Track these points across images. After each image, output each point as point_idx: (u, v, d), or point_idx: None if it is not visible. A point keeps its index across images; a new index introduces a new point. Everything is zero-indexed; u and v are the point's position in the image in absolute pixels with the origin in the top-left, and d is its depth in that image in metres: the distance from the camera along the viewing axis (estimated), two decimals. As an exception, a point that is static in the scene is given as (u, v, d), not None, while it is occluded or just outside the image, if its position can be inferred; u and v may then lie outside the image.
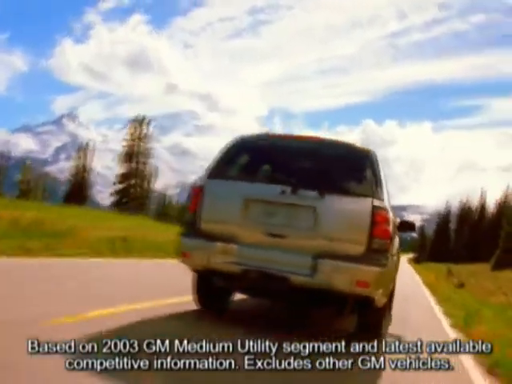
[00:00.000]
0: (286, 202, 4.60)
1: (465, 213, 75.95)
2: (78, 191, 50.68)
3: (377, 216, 4.43)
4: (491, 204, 74.05)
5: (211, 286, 5.06)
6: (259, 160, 5.22)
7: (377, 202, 4.51)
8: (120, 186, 54.90)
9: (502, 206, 68.59)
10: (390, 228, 4.53)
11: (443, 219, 79.37)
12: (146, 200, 56.67)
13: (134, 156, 54.72)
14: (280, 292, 4.55)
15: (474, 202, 76.11)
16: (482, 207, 74.38)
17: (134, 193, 54.36)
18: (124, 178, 55.03)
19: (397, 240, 5.04)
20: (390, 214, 4.62)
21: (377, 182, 4.72)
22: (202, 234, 4.73)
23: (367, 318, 4.90)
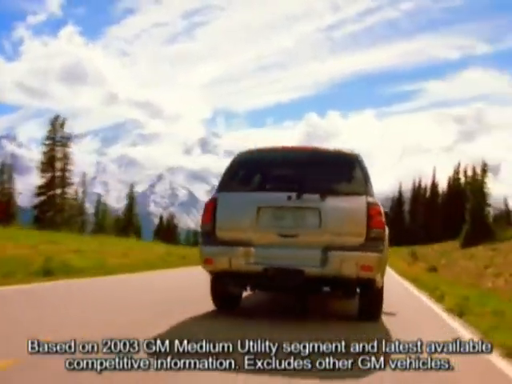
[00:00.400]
0: (293, 206, 5.21)
1: (417, 193, 75.48)
2: (3, 210, 44.06)
3: (371, 210, 5.15)
4: (440, 183, 73.77)
5: (225, 289, 5.70)
6: (261, 171, 5.82)
7: (370, 199, 5.25)
8: (41, 199, 46.93)
9: (453, 184, 67.93)
10: (383, 219, 5.25)
11: (396, 202, 78.52)
12: (77, 212, 49.96)
13: (56, 162, 47.09)
14: (296, 284, 5.12)
15: (424, 183, 75.72)
16: (434, 185, 73.87)
17: (60, 204, 46.84)
18: (46, 188, 46.89)
19: (387, 229, 5.56)
20: (381, 208, 5.32)
21: (366, 181, 5.45)
22: (219, 242, 5.29)
23: (369, 298, 5.54)
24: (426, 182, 75.66)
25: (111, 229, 52.34)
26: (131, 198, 63.27)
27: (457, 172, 69.65)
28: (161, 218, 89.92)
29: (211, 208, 5.40)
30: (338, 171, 5.55)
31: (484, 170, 51.94)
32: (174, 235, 78.39)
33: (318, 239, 5.09)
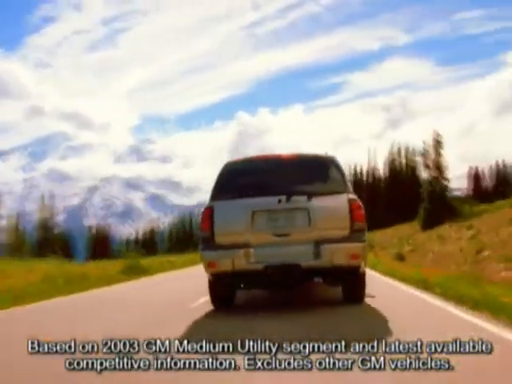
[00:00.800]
0: (284, 208, 5.74)
1: (360, 180, 75.01)
2: None
3: (353, 206, 5.78)
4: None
5: (223, 289, 6.24)
6: (250, 179, 6.22)
7: (350, 196, 5.88)
8: None
9: (392, 166, 67.36)
10: (363, 213, 5.87)
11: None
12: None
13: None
14: (295, 278, 5.74)
15: (359, 170, 74.74)
16: (373, 170, 73.01)
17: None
18: None
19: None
20: (360, 203, 5.90)
21: (345, 180, 6.11)
22: (219, 246, 5.73)
23: (354, 283, 6.13)
24: (362, 170, 74.95)
25: (31, 249, 47.37)
26: (44, 215, 57.94)
27: (397, 154, 68.32)
28: (94, 230, 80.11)
29: (208, 216, 5.86)
30: (318, 173, 6.18)
31: (438, 142, 45.40)
32: (108, 248, 71.45)
33: (308, 236, 5.65)
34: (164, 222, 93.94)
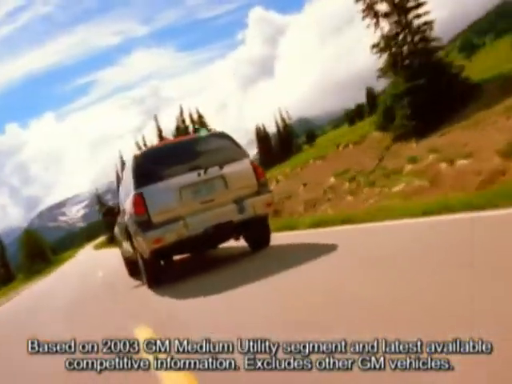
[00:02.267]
0: (204, 179, 6.82)
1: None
2: None
3: (255, 166, 7.25)
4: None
5: (157, 267, 7.17)
6: (164, 162, 7.07)
7: (250, 159, 7.41)
8: None
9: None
10: (263, 171, 7.36)
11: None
12: None
13: None
14: (230, 232, 7.13)
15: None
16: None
17: None
18: None
19: None
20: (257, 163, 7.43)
21: (241, 148, 7.46)
22: (157, 224, 6.54)
23: (264, 228, 7.53)
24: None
25: None
26: None
27: (183, 120, 70.16)
28: None
29: (140, 201, 6.62)
30: (219, 146, 7.40)
31: None
32: None
33: (228, 197, 6.83)
34: None
